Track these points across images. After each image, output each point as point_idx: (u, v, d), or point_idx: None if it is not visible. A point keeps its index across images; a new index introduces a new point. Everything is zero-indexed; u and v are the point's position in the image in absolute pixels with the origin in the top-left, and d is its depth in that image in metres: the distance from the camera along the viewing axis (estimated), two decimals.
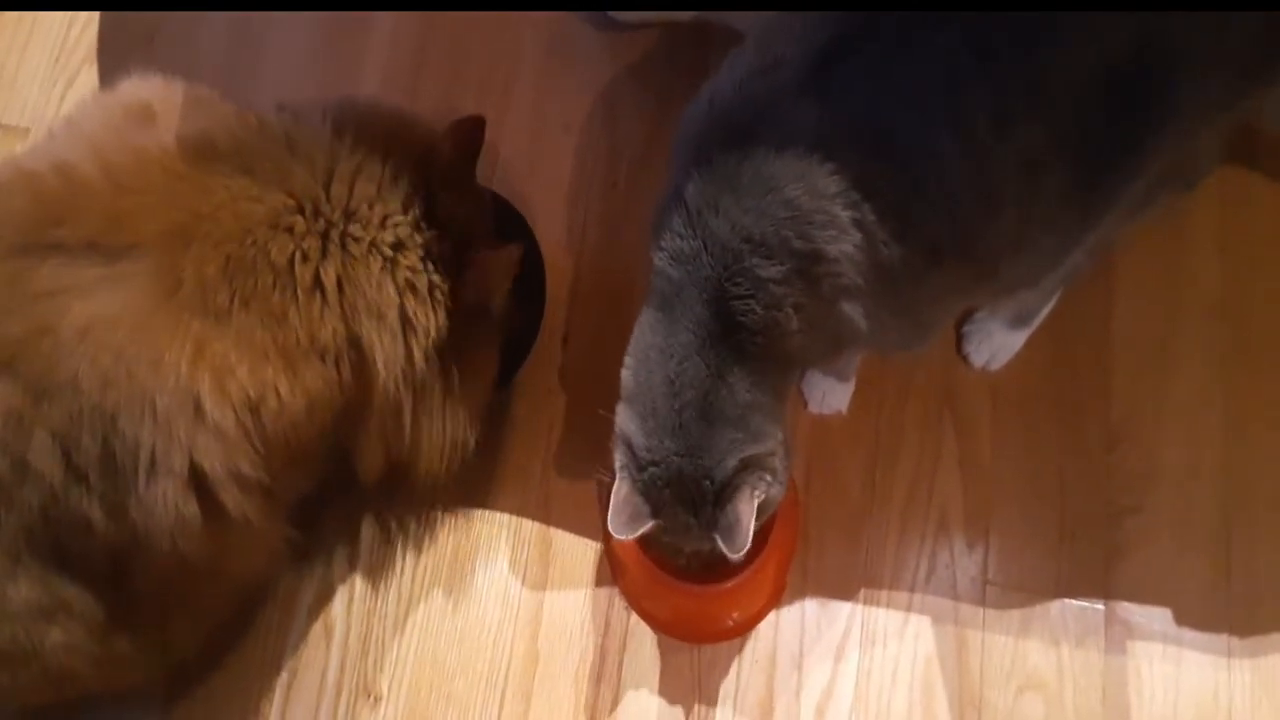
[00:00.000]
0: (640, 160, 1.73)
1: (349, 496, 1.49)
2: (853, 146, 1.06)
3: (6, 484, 1.10)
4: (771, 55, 1.11)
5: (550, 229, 1.66)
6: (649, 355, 1.16)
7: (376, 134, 1.24)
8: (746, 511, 1.14)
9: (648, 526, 1.19)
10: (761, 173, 1.06)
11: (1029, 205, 1.09)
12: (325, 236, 1.19)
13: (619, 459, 1.20)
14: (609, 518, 1.19)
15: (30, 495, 1.11)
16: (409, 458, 1.35)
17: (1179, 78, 1.06)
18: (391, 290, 1.22)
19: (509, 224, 1.56)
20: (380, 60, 1.78)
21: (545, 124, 1.75)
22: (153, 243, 1.12)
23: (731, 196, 1.07)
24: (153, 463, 1.12)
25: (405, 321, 1.23)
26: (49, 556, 1.15)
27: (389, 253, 1.21)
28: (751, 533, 1.14)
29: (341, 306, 1.20)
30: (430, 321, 1.25)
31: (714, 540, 1.20)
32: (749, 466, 1.16)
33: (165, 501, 1.14)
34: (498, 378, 1.46)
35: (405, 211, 1.23)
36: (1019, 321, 1.52)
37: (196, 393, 1.11)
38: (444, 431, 1.34)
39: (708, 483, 1.16)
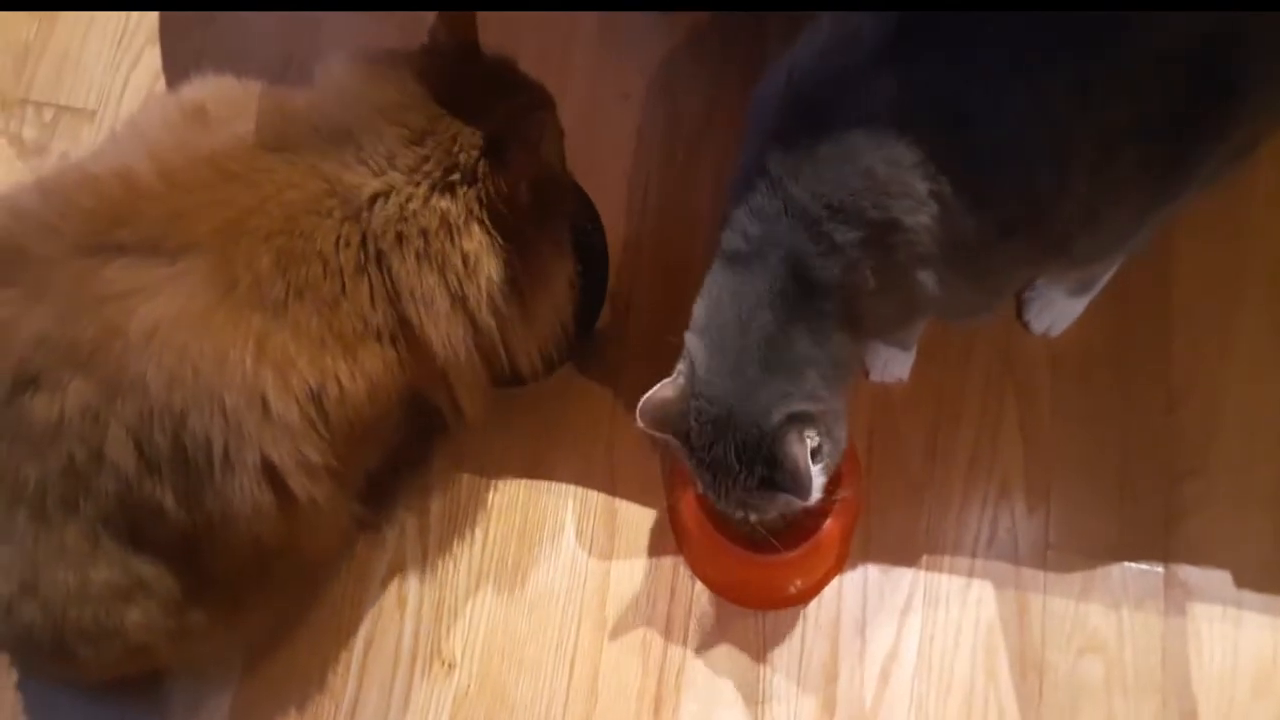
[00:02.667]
0: (699, 130, 1.74)
1: (418, 469, 1.55)
2: (930, 119, 1.10)
3: (85, 473, 1.17)
4: (850, 27, 1.15)
5: (611, 200, 1.67)
6: (722, 296, 1.20)
7: (393, 101, 1.25)
8: (800, 453, 1.16)
9: (666, 435, 1.24)
10: (840, 144, 1.11)
11: (1104, 179, 1.13)
12: (358, 220, 1.22)
13: (681, 365, 1.23)
14: (641, 402, 1.22)
15: (107, 484, 1.17)
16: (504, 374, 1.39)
17: (1257, 58, 1.09)
18: (432, 278, 1.25)
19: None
20: None
21: (603, 95, 1.77)
22: (208, 241, 1.17)
23: (811, 166, 1.12)
24: (226, 457, 1.18)
25: (455, 300, 1.26)
26: (126, 539, 1.21)
27: (419, 243, 1.24)
28: (813, 476, 1.17)
29: (386, 289, 1.24)
30: (484, 280, 1.27)
31: (750, 497, 1.24)
32: (794, 419, 1.18)
33: (241, 492, 1.20)
34: (569, 345, 1.49)
35: (440, 187, 1.24)
36: (1080, 289, 1.53)
37: (262, 389, 1.17)
38: (535, 339, 1.38)
39: (755, 430, 1.18)
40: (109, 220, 1.16)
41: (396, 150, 1.23)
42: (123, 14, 1.83)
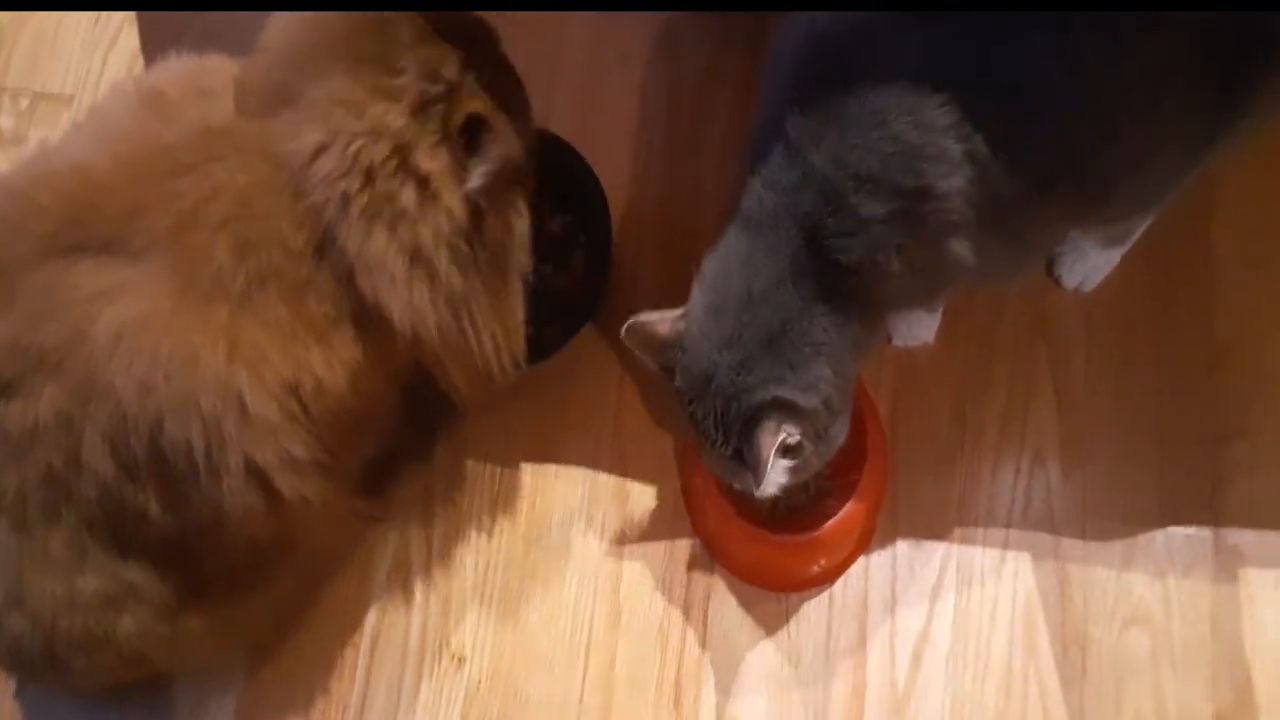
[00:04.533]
0: (704, 91, 1.71)
1: (420, 458, 1.53)
2: (963, 77, 1.07)
3: (65, 480, 1.16)
4: None
5: (613, 167, 1.63)
6: (732, 263, 1.19)
7: (341, 53, 1.17)
8: (767, 444, 1.15)
9: (652, 365, 1.24)
10: (868, 106, 1.08)
11: (1151, 124, 1.11)
12: (304, 192, 1.16)
13: (687, 307, 1.22)
14: (637, 317, 1.23)
15: (88, 490, 1.17)
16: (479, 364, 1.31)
17: None
18: (382, 236, 1.17)
19: (567, 162, 1.55)
20: None
21: (602, 58, 1.74)
22: (168, 236, 1.14)
23: (837, 131, 1.09)
24: (209, 461, 1.16)
25: (412, 256, 1.18)
26: (112, 545, 1.21)
27: (364, 197, 1.15)
28: (774, 472, 1.17)
29: (341, 268, 1.18)
30: (443, 217, 1.19)
31: (725, 464, 1.24)
32: (778, 407, 1.17)
33: (229, 495, 1.18)
34: (572, 325, 1.50)
35: (410, 107, 1.16)
36: (1114, 240, 1.50)
37: (238, 388, 1.14)
38: (499, 330, 1.30)
39: (735, 404, 1.18)
40: (71, 220, 1.14)
41: (343, 86, 1.14)
42: None
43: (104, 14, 1.80)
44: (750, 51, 1.20)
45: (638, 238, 1.66)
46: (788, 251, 1.15)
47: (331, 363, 1.19)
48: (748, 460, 1.18)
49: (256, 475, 1.19)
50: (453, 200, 1.18)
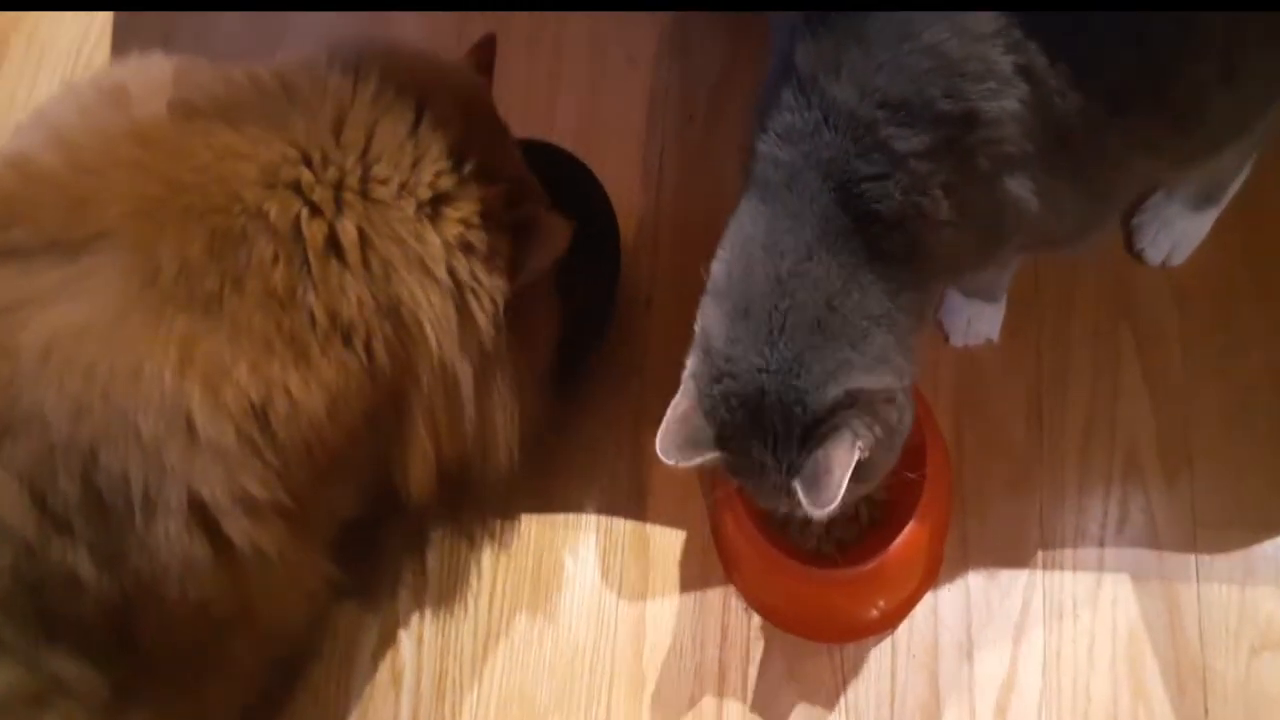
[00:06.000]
0: (719, 87, 1.69)
1: (407, 517, 1.45)
2: None
3: None
4: None
5: (621, 177, 1.60)
6: (748, 249, 1.09)
7: (407, 77, 1.19)
8: (842, 461, 1.04)
9: (705, 458, 1.11)
10: (894, 15, 0.99)
11: (1246, 23, 1.02)
12: (340, 186, 1.13)
13: (691, 364, 1.13)
14: (658, 436, 1.10)
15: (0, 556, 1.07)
16: (473, 450, 1.29)
17: None
18: (436, 240, 1.16)
19: (570, 176, 1.51)
20: None
21: (606, 59, 1.73)
22: (121, 226, 1.06)
23: (858, 51, 1.00)
24: (147, 498, 1.06)
25: (458, 281, 1.18)
26: (33, 626, 1.10)
27: (426, 194, 1.15)
28: (842, 490, 1.04)
29: (367, 267, 1.13)
30: (494, 283, 1.20)
31: (793, 491, 1.10)
32: (857, 403, 1.06)
33: (169, 542, 1.08)
34: (575, 357, 1.44)
35: (452, 159, 1.18)
36: (1204, 201, 1.42)
37: (187, 408, 1.05)
38: (514, 413, 1.29)
39: (799, 409, 1.06)
40: (1, 220, 1.07)
41: (463, 143, 1.18)
42: (72, 51, 1.83)
43: (79, 66, 1.82)
44: (767, 40, 1.17)
45: (651, 251, 1.63)
46: (815, 213, 1.05)
47: (309, 383, 1.11)
48: (805, 473, 1.07)
49: (201, 516, 1.09)
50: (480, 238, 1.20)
